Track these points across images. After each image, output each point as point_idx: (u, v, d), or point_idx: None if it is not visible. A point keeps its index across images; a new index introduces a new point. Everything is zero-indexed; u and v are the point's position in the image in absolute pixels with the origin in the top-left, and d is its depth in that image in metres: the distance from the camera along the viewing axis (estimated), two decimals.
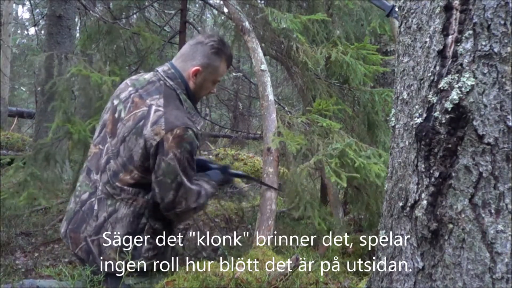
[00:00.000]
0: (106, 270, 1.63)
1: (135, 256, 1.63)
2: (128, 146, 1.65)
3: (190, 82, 1.76)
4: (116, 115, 1.74)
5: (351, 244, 2.23)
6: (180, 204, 1.66)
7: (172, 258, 1.63)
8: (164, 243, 1.76)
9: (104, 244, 1.65)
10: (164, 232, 1.75)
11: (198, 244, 2.98)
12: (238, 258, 1.63)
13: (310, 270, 1.55)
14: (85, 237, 1.68)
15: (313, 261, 1.65)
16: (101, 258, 1.65)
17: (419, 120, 1.05)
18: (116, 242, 1.65)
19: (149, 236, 1.69)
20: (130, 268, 1.56)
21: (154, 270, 1.68)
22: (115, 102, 1.78)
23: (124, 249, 1.64)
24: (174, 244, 2.05)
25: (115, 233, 1.65)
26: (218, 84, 2.01)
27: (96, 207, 1.68)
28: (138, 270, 1.60)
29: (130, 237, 1.66)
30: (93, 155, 1.77)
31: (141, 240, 1.68)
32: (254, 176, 5.33)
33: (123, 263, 1.60)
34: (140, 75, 1.86)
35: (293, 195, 2.25)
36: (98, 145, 1.77)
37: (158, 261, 1.69)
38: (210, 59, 1.77)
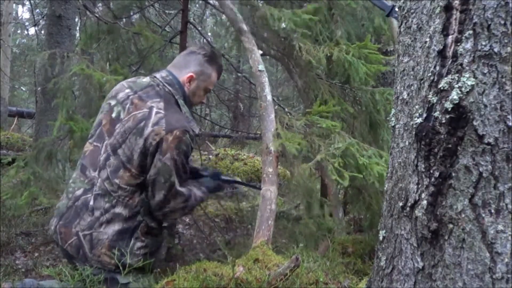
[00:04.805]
0: (95, 265, 1.64)
1: (127, 253, 1.64)
2: (128, 146, 1.68)
3: (185, 88, 1.84)
4: (114, 115, 1.77)
5: (351, 244, 2.23)
6: (168, 204, 1.71)
7: (167, 258, 1.64)
8: (158, 242, 1.78)
9: (96, 239, 1.66)
10: (159, 231, 1.77)
11: (198, 245, 2.98)
12: (238, 258, 1.64)
13: (310, 270, 1.56)
14: (77, 231, 1.68)
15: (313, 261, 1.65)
16: (92, 253, 1.66)
17: (419, 120, 1.05)
18: (109, 238, 1.65)
19: (142, 234, 1.71)
20: (122, 265, 1.58)
21: (146, 268, 1.69)
22: (112, 102, 1.82)
23: (116, 245, 1.65)
24: (171, 245, 2.04)
25: (109, 228, 1.66)
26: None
27: (92, 203, 1.69)
28: (129, 267, 1.60)
29: (124, 234, 1.67)
30: (89, 152, 1.79)
31: (134, 237, 1.69)
32: (254, 176, 5.34)
33: (114, 259, 1.62)
34: (137, 78, 1.92)
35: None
36: (94, 142, 1.79)
37: (150, 260, 1.70)
38: (203, 66, 1.87)
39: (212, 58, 1.89)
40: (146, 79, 1.86)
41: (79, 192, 1.74)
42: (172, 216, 1.81)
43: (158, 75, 1.84)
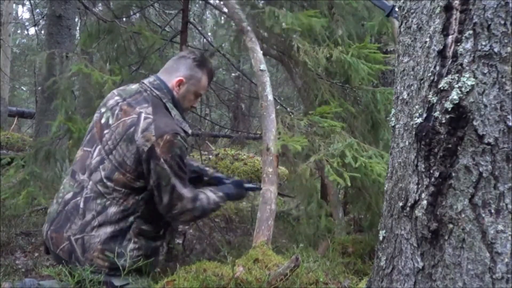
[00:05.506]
0: (88, 268, 1.64)
1: (120, 255, 1.64)
2: (119, 152, 1.70)
3: (174, 92, 1.84)
4: (103, 121, 1.80)
5: (351, 244, 2.23)
6: (175, 205, 1.72)
7: (167, 258, 1.63)
8: (154, 246, 1.78)
9: (88, 243, 1.66)
10: (153, 235, 1.77)
11: (198, 245, 2.98)
12: (238, 258, 1.63)
13: (310, 270, 1.55)
14: (69, 236, 1.68)
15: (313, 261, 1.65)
16: (84, 257, 1.65)
17: (419, 120, 1.05)
18: (101, 241, 1.65)
19: (135, 235, 1.71)
20: (114, 267, 1.58)
21: (140, 270, 1.68)
22: (102, 109, 1.85)
23: (109, 247, 1.65)
24: (171, 245, 2.02)
25: (100, 231, 1.66)
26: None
27: (82, 206, 1.70)
28: (122, 269, 1.60)
29: (116, 236, 1.67)
30: (80, 157, 1.81)
31: (127, 238, 1.69)
32: (254, 176, 5.34)
33: (107, 261, 1.62)
34: (126, 86, 1.94)
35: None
36: (85, 148, 1.81)
37: (143, 262, 1.69)
38: (193, 70, 1.87)
39: (202, 62, 1.89)
40: (135, 86, 1.87)
41: (68, 196, 1.74)
42: (183, 218, 1.82)
43: (146, 80, 1.86)
